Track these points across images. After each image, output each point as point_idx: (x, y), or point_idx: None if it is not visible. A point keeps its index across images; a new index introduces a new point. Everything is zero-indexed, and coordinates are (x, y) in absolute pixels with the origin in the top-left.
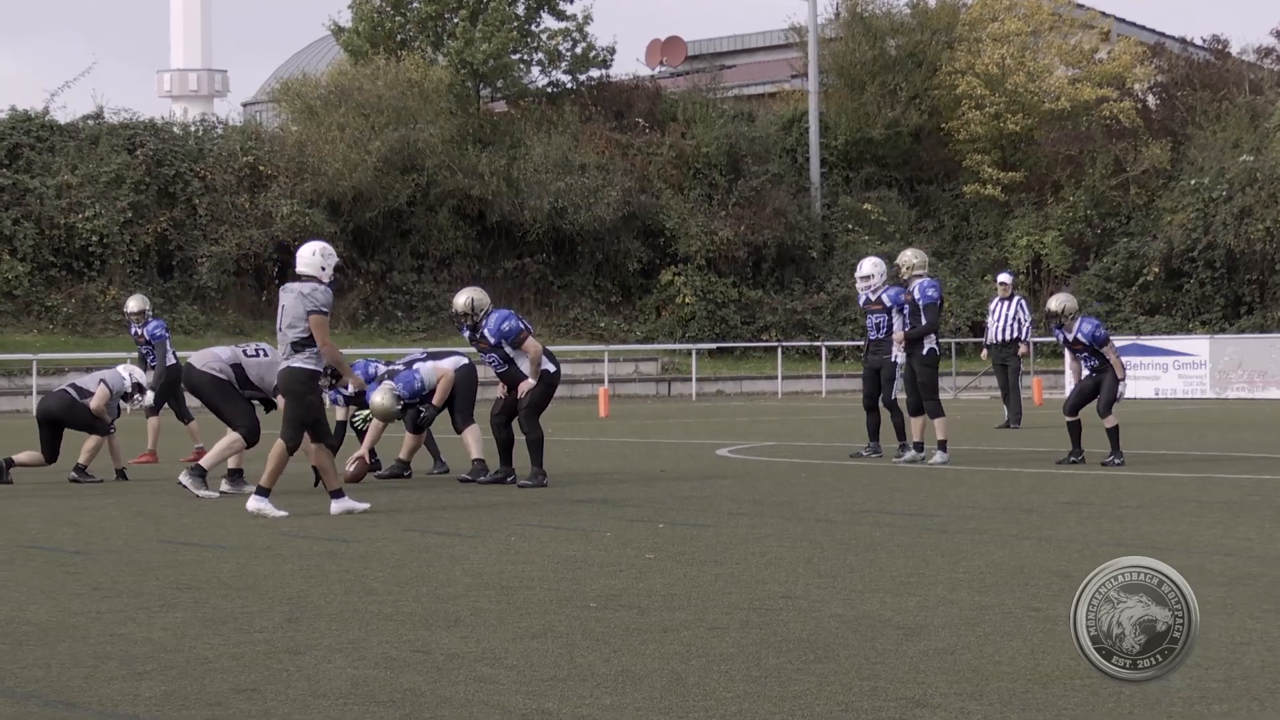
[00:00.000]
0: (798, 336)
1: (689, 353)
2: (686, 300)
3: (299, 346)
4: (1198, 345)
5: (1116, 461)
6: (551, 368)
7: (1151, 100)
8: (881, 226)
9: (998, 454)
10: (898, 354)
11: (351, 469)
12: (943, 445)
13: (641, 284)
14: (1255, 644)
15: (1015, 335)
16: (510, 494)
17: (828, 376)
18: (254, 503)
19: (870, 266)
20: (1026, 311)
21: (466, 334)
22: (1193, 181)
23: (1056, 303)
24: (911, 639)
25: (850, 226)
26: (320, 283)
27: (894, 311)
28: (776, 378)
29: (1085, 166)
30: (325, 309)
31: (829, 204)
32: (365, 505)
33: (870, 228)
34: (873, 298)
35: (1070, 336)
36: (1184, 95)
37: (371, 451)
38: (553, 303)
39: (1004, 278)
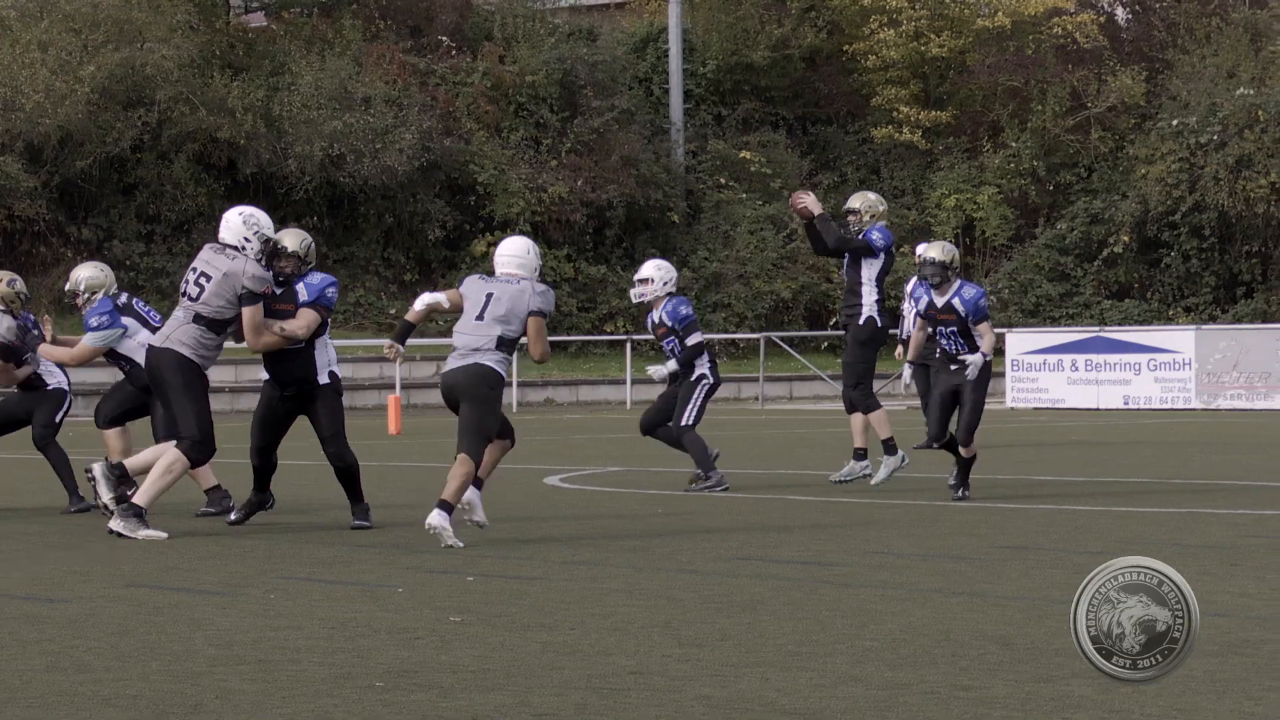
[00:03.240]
0: None
1: None
2: None
3: (504, 345)
4: (1181, 339)
5: (961, 494)
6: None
7: (1120, 14)
8: (764, 180)
9: (917, 483)
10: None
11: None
12: (889, 446)
13: (446, 257)
14: None
15: None
16: (270, 535)
17: None
18: (437, 519)
19: (651, 269)
20: None
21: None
22: (1175, 122)
23: (944, 252)
24: None
25: (723, 180)
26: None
27: (677, 332)
28: (625, 382)
29: (1032, 103)
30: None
31: (695, 151)
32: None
33: (749, 181)
34: (654, 318)
35: (942, 301)
36: (1163, 8)
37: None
38: None
39: (925, 249)
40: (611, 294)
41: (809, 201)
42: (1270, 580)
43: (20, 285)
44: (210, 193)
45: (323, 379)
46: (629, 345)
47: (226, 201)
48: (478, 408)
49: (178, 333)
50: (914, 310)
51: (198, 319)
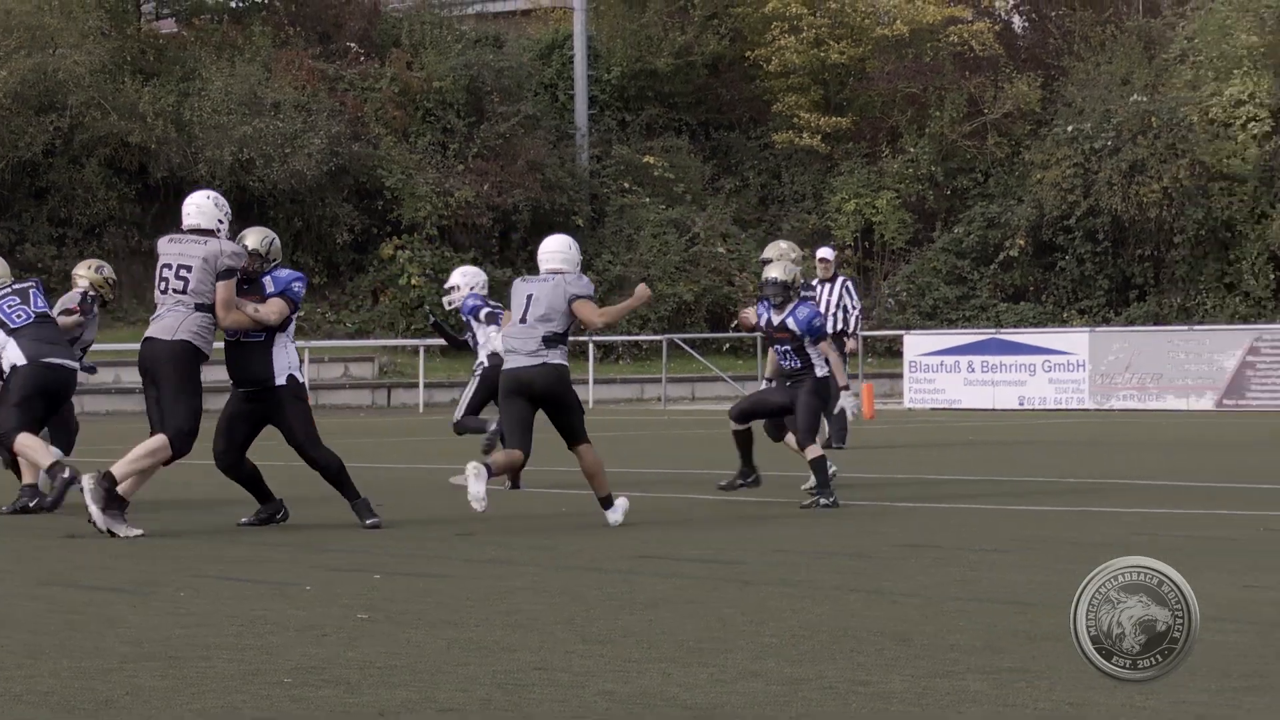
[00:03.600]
0: None
1: (415, 350)
2: (413, 282)
3: (552, 341)
4: (1075, 341)
5: (824, 502)
6: None
7: (1017, 22)
8: (667, 185)
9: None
10: None
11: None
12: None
13: (354, 260)
14: None
15: (840, 328)
16: (181, 535)
17: (596, 381)
18: (616, 515)
19: (457, 276)
20: (854, 297)
21: None
22: (1070, 128)
23: (786, 272)
24: None
25: (627, 185)
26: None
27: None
28: None
29: (930, 109)
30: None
31: (599, 156)
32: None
33: (653, 186)
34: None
35: (778, 320)
36: (1059, 16)
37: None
38: None
39: (825, 253)
40: None
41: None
42: None
43: (109, 271)
44: (121, 196)
45: (280, 380)
46: None
47: (137, 205)
48: (568, 410)
49: (186, 323)
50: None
51: (200, 308)
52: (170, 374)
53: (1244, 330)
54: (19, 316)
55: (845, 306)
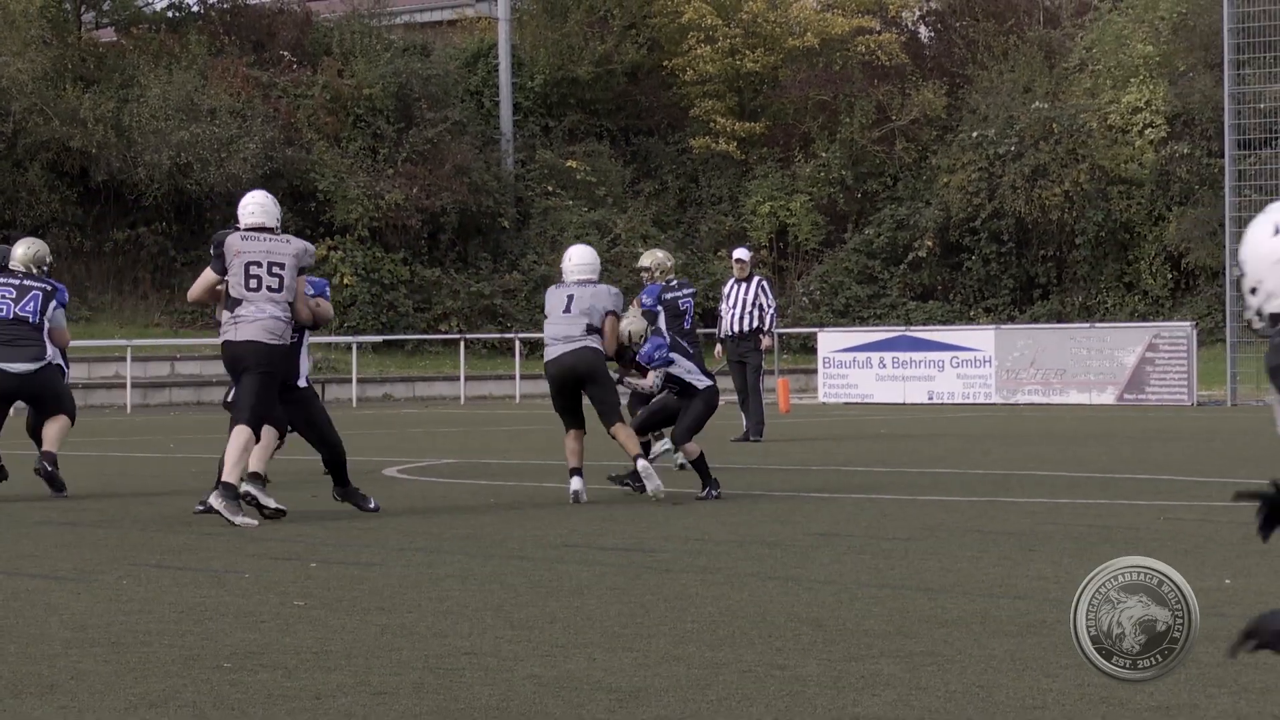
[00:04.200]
0: (485, 327)
1: (348, 347)
2: (345, 281)
3: (591, 330)
4: (981, 338)
5: (714, 494)
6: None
7: (923, 33)
8: (590, 188)
9: (734, 474)
10: None
11: None
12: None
13: None
14: (1050, 708)
15: (756, 325)
16: (121, 525)
17: (523, 377)
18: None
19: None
20: (770, 296)
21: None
22: (974, 134)
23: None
24: (627, 705)
25: (550, 188)
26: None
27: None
28: (459, 378)
29: (841, 115)
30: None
31: (524, 160)
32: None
33: (575, 189)
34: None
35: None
36: (963, 27)
37: None
38: (175, 283)
39: (740, 254)
40: (445, 295)
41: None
42: (1065, 565)
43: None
44: (63, 199)
45: (301, 382)
46: (462, 344)
47: (79, 207)
48: (606, 389)
49: (276, 327)
50: (730, 311)
51: (289, 305)
52: (264, 370)
53: (1143, 328)
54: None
55: (761, 305)
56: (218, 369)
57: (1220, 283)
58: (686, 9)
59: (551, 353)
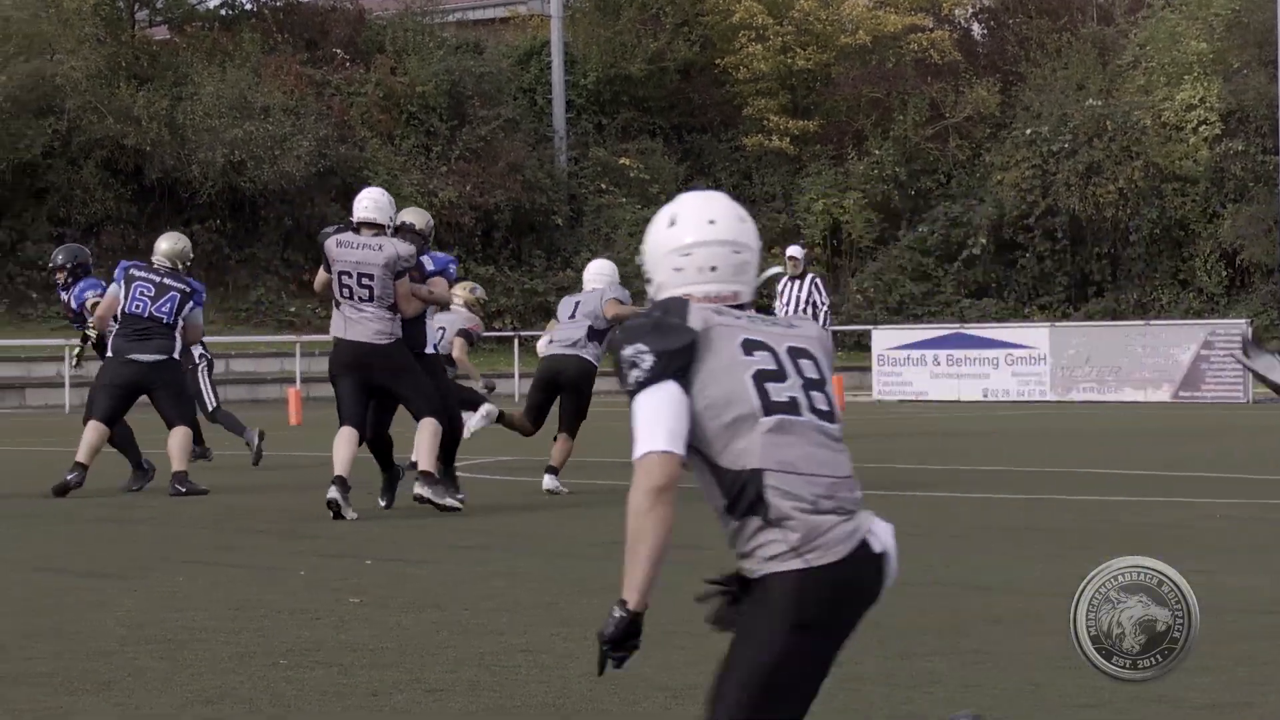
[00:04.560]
0: (539, 325)
1: None
2: None
3: (593, 335)
4: (1036, 335)
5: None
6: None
7: (976, 30)
8: (643, 186)
9: None
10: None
11: None
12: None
13: None
14: (1102, 706)
15: None
16: (174, 522)
17: None
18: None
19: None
20: (823, 293)
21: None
22: (1028, 131)
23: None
24: (681, 701)
25: (604, 186)
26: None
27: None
28: (514, 375)
29: (894, 113)
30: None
31: (577, 158)
32: None
33: (629, 187)
34: None
35: None
36: (1016, 24)
37: None
38: (230, 280)
39: (793, 251)
40: (499, 292)
41: None
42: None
43: (481, 292)
44: (118, 197)
45: (428, 349)
46: (516, 341)
47: (133, 205)
48: (580, 400)
49: (389, 327)
50: (783, 309)
51: (390, 307)
52: (404, 368)
53: (1198, 325)
54: (136, 306)
55: (814, 302)
56: (271, 366)
57: (1275, 279)
58: (737, 8)
59: (549, 350)
